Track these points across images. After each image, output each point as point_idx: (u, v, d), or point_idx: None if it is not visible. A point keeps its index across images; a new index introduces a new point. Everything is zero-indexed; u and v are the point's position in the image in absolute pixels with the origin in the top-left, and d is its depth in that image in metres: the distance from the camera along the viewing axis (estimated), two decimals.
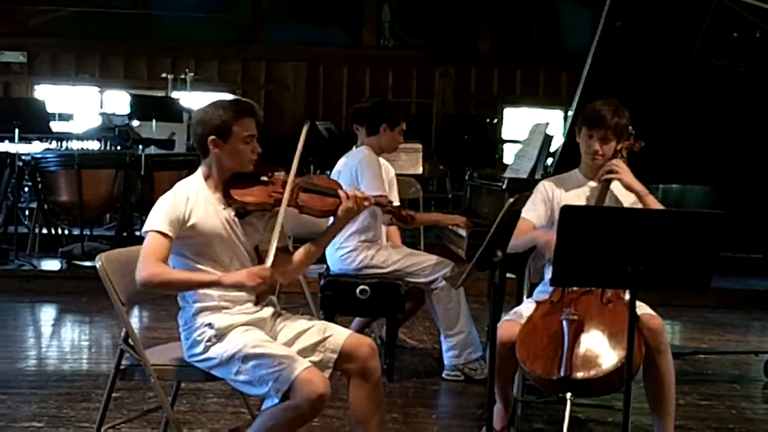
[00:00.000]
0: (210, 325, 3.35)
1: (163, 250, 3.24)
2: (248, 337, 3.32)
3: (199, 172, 3.46)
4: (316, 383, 3.17)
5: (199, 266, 3.36)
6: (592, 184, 4.12)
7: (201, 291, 3.36)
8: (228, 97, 3.46)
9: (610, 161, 4.05)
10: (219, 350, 3.32)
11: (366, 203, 3.56)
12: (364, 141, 5.30)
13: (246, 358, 3.27)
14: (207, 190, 3.41)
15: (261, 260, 3.39)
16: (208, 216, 3.36)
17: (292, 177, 3.41)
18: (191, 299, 3.39)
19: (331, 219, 3.59)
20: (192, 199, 3.35)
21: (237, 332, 3.35)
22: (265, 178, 3.47)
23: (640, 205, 4.00)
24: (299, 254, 3.55)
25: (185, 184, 3.42)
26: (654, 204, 3.99)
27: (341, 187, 3.56)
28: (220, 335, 3.34)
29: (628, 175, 4.01)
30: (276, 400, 3.21)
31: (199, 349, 3.36)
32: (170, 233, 3.26)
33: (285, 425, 3.23)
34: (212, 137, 3.35)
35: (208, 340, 3.34)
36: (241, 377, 3.29)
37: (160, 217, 3.28)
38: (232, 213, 3.41)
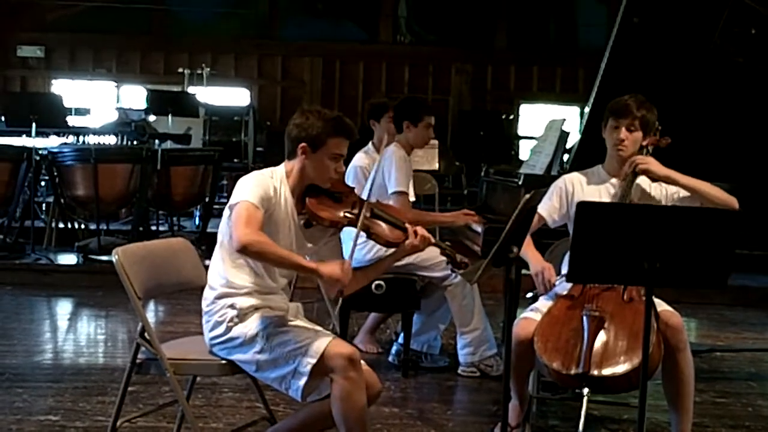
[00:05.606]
0: (232, 306, 3.37)
1: (259, 219, 3.26)
2: (271, 317, 3.36)
3: (283, 168, 3.49)
4: (346, 348, 3.24)
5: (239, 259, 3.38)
6: (614, 181, 4.07)
7: (235, 280, 3.39)
8: (332, 111, 3.47)
9: (634, 157, 4.00)
10: (242, 329, 3.34)
11: (428, 243, 3.53)
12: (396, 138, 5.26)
13: (270, 336, 3.30)
14: (287, 188, 3.44)
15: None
16: (283, 212, 3.40)
17: (367, 200, 3.47)
18: (220, 283, 3.41)
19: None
20: (277, 190, 3.39)
21: (259, 313, 3.38)
22: (340, 196, 3.51)
23: (669, 198, 3.99)
24: (358, 275, 3.53)
25: (272, 174, 3.44)
26: (697, 182, 3.92)
27: (407, 221, 3.54)
28: (242, 315, 3.36)
29: (656, 166, 3.96)
30: (301, 382, 3.22)
31: (221, 330, 3.38)
32: (262, 208, 3.29)
33: (342, 412, 3.21)
34: (303, 144, 3.39)
35: (230, 321, 3.36)
36: (264, 356, 3.30)
37: (256, 192, 3.30)
38: (301, 221, 3.45)
